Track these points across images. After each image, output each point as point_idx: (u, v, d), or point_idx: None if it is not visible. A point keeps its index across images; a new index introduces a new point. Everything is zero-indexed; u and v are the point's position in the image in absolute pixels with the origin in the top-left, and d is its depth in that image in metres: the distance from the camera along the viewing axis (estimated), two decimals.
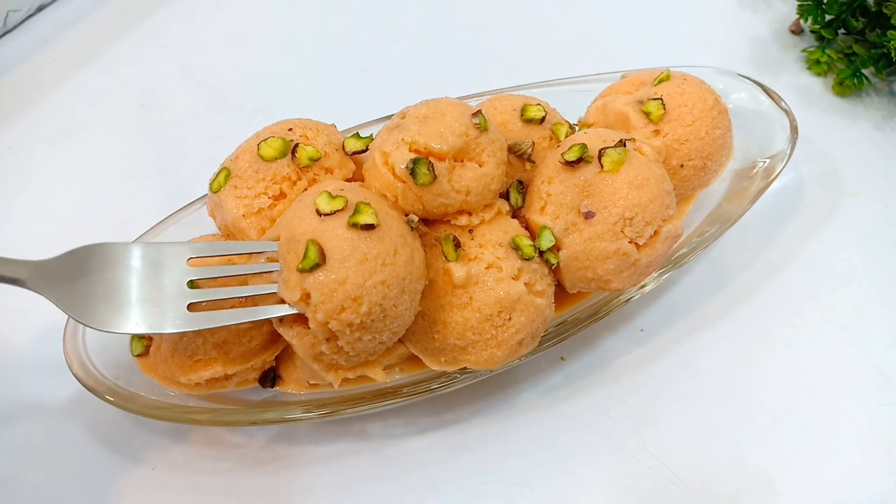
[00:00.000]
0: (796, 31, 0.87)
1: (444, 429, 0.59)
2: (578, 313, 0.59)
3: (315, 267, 0.45)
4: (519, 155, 0.55)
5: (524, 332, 0.51)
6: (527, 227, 0.55)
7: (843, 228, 0.71)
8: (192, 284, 0.48)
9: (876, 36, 0.78)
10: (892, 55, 0.75)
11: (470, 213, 0.52)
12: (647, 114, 0.59)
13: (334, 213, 0.47)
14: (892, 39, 0.74)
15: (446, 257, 0.50)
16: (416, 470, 0.57)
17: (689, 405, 0.60)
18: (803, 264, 0.68)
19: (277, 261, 0.48)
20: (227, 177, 0.53)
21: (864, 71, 0.79)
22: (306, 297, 0.46)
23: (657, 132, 0.59)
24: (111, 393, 0.52)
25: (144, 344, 0.54)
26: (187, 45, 0.86)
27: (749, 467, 0.57)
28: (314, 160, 0.53)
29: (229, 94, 0.82)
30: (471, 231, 0.52)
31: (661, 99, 0.60)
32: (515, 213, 0.55)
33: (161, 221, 0.60)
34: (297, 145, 0.53)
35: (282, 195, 0.52)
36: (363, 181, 0.53)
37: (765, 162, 0.66)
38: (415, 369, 0.56)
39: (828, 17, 0.82)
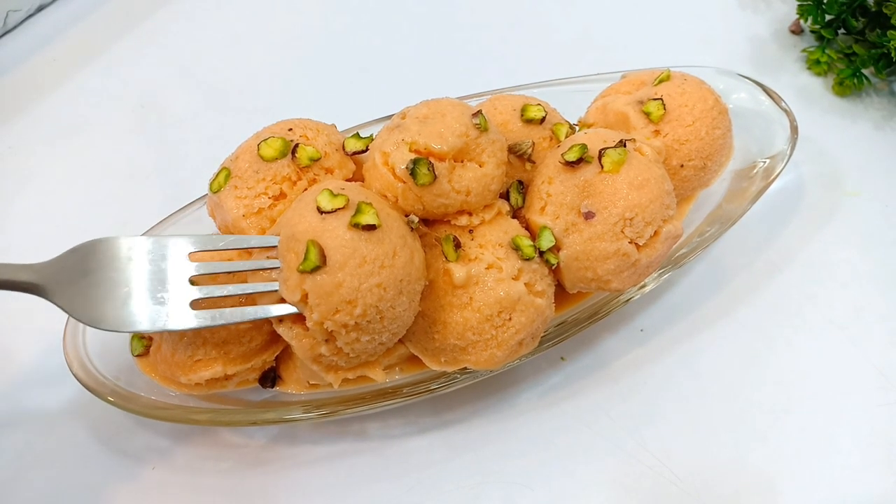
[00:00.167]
0: (796, 31, 0.87)
1: (444, 429, 0.59)
2: (578, 313, 0.59)
3: (316, 269, 0.45)
4: (519, 155, 0.55)
5: (524, 333, 0.51)
6: (527, 228, 0.55)
7: (843, 228, 0.71)
8: (194, 281, 0.48)
9: (876, 36, 0.78)
10: (892, 55, 0.75)
11: (470, 214, 0.52)
12: (647, 114, 0.59)
13: (335, 211, 0.46)
14: (892, 39, 0.74)
15: (446, 257, 0.50)
16: (416, 470, 0.57)
17: (689, 405, 0.60)
18: (803, 264, 0.68)
19: (277, 258, 0.48)
20: (227, 177, 0.53)
21: (864, 71, 0.79)
22: (305, 297, 0.46)
23: (657, 132, 0.59)
24: (111, 393, 0.52)
25: (144, 344, 0.54)
26: (187, 45, 0.86)
27: (749, 467, 0.57)
28: (314, 160, 0.53)
29: (229, 94, 0.82)
30: (471, 231, 0.52)
31: (661, 99, 0.60)
32: (515, 214, 0.55)
33: (161, 221, 0.60)
34: (297, 145, 0.53)
35: (282, 195, 0.52)
36: (363, 181, 0.53)
37: (765, 162, 0.66)
38: (415, 369, 0.56)
39: (828, 17, 0.82)
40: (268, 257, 0.49)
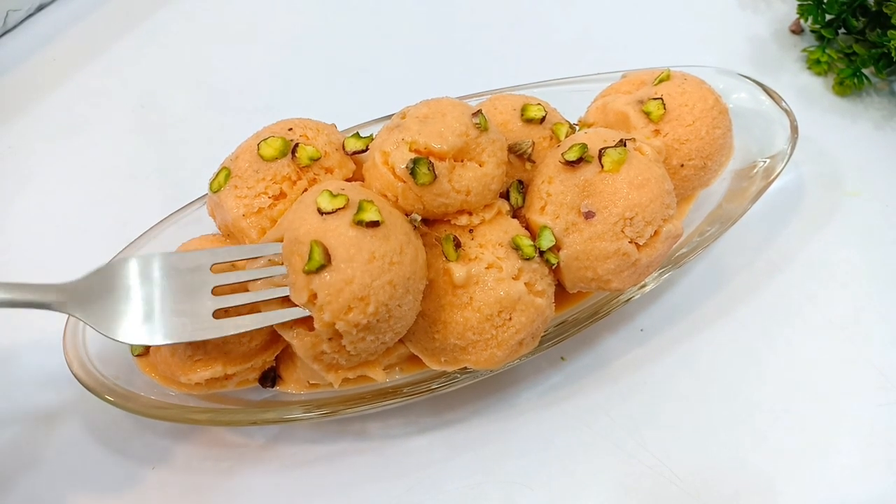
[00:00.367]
0: (796, 30, 0.87)
1: (444, 428, 0.59)
2: (578, 313, 0.59)
3: (321, 268, 0.45)
4: (519, 155, 0.55)
5: (524, 332, 0.51)
6: (527, 227, 0.54)
7: (843, 228, 0.71)
8: (215, 292, 0.48)
9: (876, 36, 0.78)
10: (893, 55, 0.75)
11: (470, 213, 0.52)
12: (647, 113, 0.59)
13: (336, 211, 0.46)
14: (893, 39, 0.74)
15: (446, 257, 0.50)
16: (416, 469, 0.57)
17: (689, 405, 0.60)
18: (803, 264, 0.68)
19: (282, 264, 0.48)
20: (228, 177, 0.53)
21: (865, 71, 0.79)
22: (313, 297, 0.45)
23: (657, 132, 0.59)
24: (111, 393, 0.52)
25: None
26: (187, 45, 0.86)
27: (749, 467, 0.57)
28: (314, 160, 0.53)
29: (229, 94, 0.82)
30: (471, 231, 0.52)
31: (661, 99, 0.60)
32: (516, 213, 0.55)
33: (161, 221, 0.60)
34: (297, 145, 0.53)
35: (282, 195, 0.52)
36: (363, 181, 0.53)
37: (765, 162, 0.66)
38: (415, 369, 0.56)
39: (828, 17, 0.82)
40: (270, 263, 0.49)
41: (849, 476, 0.57)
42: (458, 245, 0.51)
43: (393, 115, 0.54)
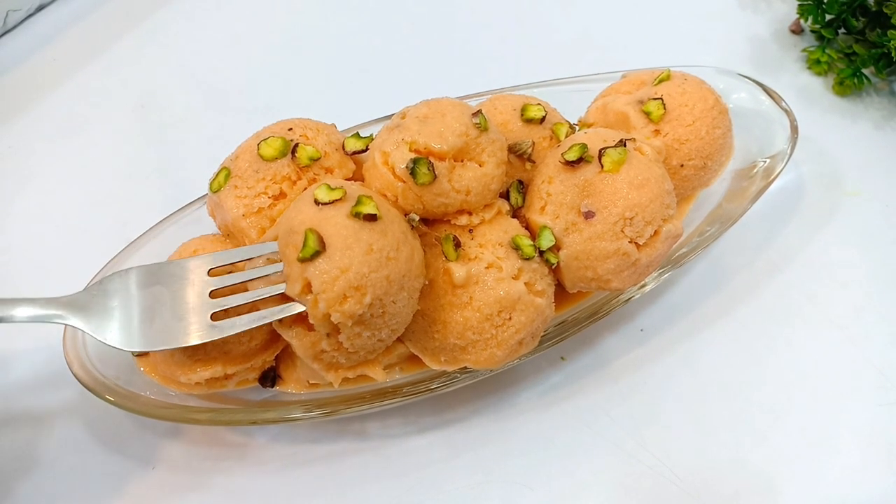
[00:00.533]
0: (796, 30, 0.87)
1: (444, 428, 0.59)
2: (578, 313, 0.59)
3: (315, 255, 0.45)
4: (519, 155, 0.55)
5: (524, 332, 0.51)
6: (527, 227, 0.54)
7: (843, 228, 0.71)
8: (213, 294, 0.49)
9: (876, 36, 0.78)
10: (893, 55, 0.75)
11: (470, 213, 0.52)
12: (647, 113, 0.59)
13: (333, 202, 0.46)
14: (893, 39, 0.74)
15: (446, 257, 0.50)
16: (416, 469, 0.57)
17: (689, 405, 0.60)
18: (803, 264, 0.68)
19: (279, 261, 0.48)
20: (227, 177, 0.53)
21: (865, 71, 0.79)
22: (307, 287, 0.45)
23: (657, 132, 0.59)
24: (111, 393, 0.52)
25: None
26: (187, 45, 0.86)
27: (749, 467, 0.57)
28: (314, 160, 0.53)
29: (229, 94, 0.82)
30: (471, 231, 0.52)
31: (661, 99, 0.60)
32: (515, 213, 0.55)
33: (161, 221, 0.60)
34: (297, 145, 0.53)
35: (282, 195, 0.52)
36: (363, 181, 0.53)
37: (765, 162, 0.66)
38: (415, 369, 0.56)
39: (828, 17, 0.82)
40: (268, 261, 0.49)
41: (849, 476, 0.57)
42: (457, 245, 0.51)
43: (393, 115, 0.54)
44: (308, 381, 0.55)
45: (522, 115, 0.57)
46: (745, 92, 0.68)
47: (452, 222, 0.52)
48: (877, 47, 0.78)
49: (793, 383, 0.61)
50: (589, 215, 0.52)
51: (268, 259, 0.49)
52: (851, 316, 0.65)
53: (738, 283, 0.67)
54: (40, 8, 0.88)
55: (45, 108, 0.79)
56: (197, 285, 0.49)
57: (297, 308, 0.46)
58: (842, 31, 0.82)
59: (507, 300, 0.50)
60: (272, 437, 0.58)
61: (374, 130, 0.56)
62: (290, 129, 0.55)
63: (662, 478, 0.56)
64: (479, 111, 0.52)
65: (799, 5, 0.84)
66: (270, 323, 0.50)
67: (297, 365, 0.54)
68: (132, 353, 0.54)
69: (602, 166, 0.53)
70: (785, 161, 0.65)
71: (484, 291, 0.50)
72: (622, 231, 0.52)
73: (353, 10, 0.91)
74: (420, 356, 0.53)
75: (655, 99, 0.60)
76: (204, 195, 0.59)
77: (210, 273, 0.49)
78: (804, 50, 0.84)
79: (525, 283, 0.51)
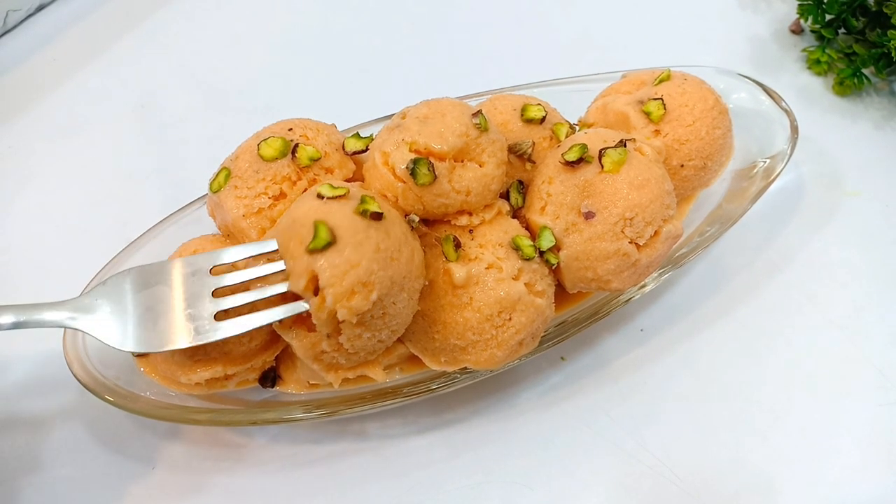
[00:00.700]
0: (796, 30, 0.87)
1: (444, 429, 0.59)
2: (578, 313, 0.59)
3: (327, 246, 0.44)
4: (519, 155, 0.55)
5: (524, 333, 0.51)
6: (527, 228, 0.54)
7: (843, 228, 0.71)
8: (216, 294, 0.49)
9: (876, 35, 0.78)
10: (893, 55, 0.75)
11: (470, 214, 0.52)
12: (647, 114, 0.59)
13: (337, 197, 0.46)
14: (893, 39, 0.74)
15: (446, 257, 0.50)
16: (416, 470, 0.57)
17: (689, 405, 0.60)
18: (803, 264, 0.68)
19: (279, 260, 0.48)
20: (227, 177, 0.53)
21: (865, 71, 0.79)
22: (313, 281, 0.45)
23: (657, 132, 0.59)
24: (111, 393, 0.52)
25: None
26: (187, 45, 0.86)
27: (749, 467, 0.57)
28: (314, 160, 0.53)
29: (229, 94, 0.82)
30: (471, 231, 0.52)
31: (661, 99, 0.60)
32: (516, 214, 0.55)
33: (161, 221, 0.60)
34: (297, 145, 0.53)
35: (282, 195, 0.52)
36: (363, 181, 0.53)
37: (765, 162, 0.66)
38: (415, 369, 0.56)
39: (828, 17, 0.82)
40: (267, 260, 0.49)
41: (849, 476, 0.57)
42: (458, 245, 0.51)
43: (393, 115, 0.54)
44: (308, 382, 0.55)
45: (522, 115, 0.57)
46: (745, 92, 0.68)
47: (452, 223, 0.52)
48: (877, 47, 0.78)
49: (793, 383, 0.61)
50: (589, 216, 0.52)
51: (267, 258, 0.49)
52: (851, 316, 0.65)
53: (738, 283, 0.67)
54: (40, 8, 0.88)
55: (45, 108, 0.79)
56: (199, 285, 0.49)
57: (303, 307, 0.46)
58: (842, 31, 0.82)
59: (507, 301, 0.50)
60: (272, 438, 0.58)
61: (374, 130, 0.56)
62: (291, 130, 0.55)
63: (662, 478, 0.56)
64: (480, 111, 0.52)
65: (799, 5, 0.84)
66: (270, 323, 0.50)
67: (297, 365, 0.54)
68: (133, 353, 0.54)
69: (602, 167, 0.53)
70: (785, 161, 0.65)
71: (484, 292, 0.50)
72: (622, 231, 0.52)
73: (353, 10, 0.91)
74: (420, 357, 0.53)
75: (655, 99, 0.60)
76: (204, 195, 0.59)
77: (212, 271, 0.49)
78: (804, 50, 0.84)
79: (525, 284, 0.51)
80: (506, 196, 0.55)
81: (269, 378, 0.55)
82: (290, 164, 0.53)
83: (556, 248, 0.53)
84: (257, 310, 0.48)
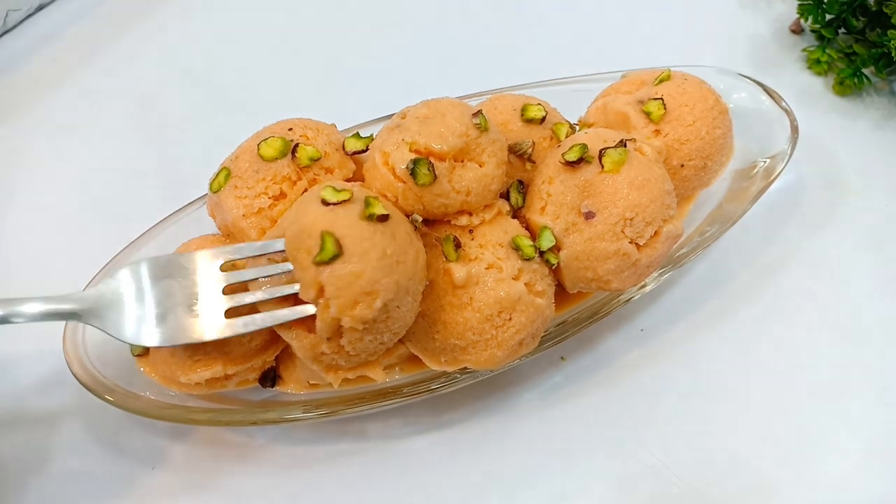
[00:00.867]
0: (797, 30, 0.87)
1: (444, 429, 0.59)
2: (578, 313, 0.59)
3: (334, 258, 0.44)
4: (519, 155, 0.55)
5: (524, 333, 0.51)
6: (527, 228, 0.54)
7: (843, 228, 0.71)
8: (226, 290, 0.48)
9: (876, 35, 0.78)
10: (893, 55, 0.74)
11: (470, 214, 0.52)
12: (647, 114, 0.59)
13: (342, 203, 0.46)
14: (893, 39, 0.74)
15: (447, 258, 0.50)
16: (416, 469, 0.57)
17: (689, 405, 0.60)
18: (803, 264, 0.68)
19: (282, 260, 0.48)
20: (228, 177, 0.53)
21: (865, 70, 0.79)
22: (321, 292, 0.45)
23: (658, 132, 0.59)
24: (111, 393, 0.52)
25: None
26: (187, 45, 0.86)
27: (749, 467, 0.57)
28: (314, 160, 0.53)
29: (229, 94, 0.82)
30: (471, 231, 0.52)
31: (661, 99, 0.60)
32: (516, 214, 0.55)
33: (161, 221, 0.60)
34: (297, 145, 0.53)
35: (282, 195, 0.52)
36: (363, 181, 0.53)
37: (765, 162, 0.66)
38: (415, 369, 0.56)
39: (828, 17, 0.82)
40: (270, 260, 0.49)
41: (849, 476, 0.57)
42: (458, 245, 0.51)
43: (393, 115, 0.54)
44: (308, 382, 0.55)
45: (522, 115, 0.57)
46: (746, 92, 0.68)
47: (452, 223, 0.52)
48: (877, 47, 0.78)
49: (793, 383, 0.61)
50: (589, 216, 0.52)
51: (269, 259, 0.49)
52: (851, 316, 0.65)
53: (738, 283, 0.67)
54: (40, 8, 0.88)
55: (45, 108, 0.79)
56: (209, 281, 0.48)
57: (312, 310, 0.46)
58: (842, 30, 0.82)
59: (507, 301, 0.50)
60: (272, 438, 0.58)
61: (374, 130, 0.56)
62: (291, 129, 0.55)
63: (662, 478, 0.56)
64: (480, 111, 0.52)
65: (799, 5, 0.84)
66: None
67: (297, 365, 0.54)
68: (132, 353, 0.54)
69: (602, 167, 0.53)
70: (785, 161, 0.65)
71: (484, 292, 0.50)
72: (622, 231, 0.52)
73: (353, 10, 0.91)
74: (420, 357, 0.53)
75: (656, 99, 0.60)
76: (204, 195, 0.59)
77: (222, 268, 0.49)
78: (804, 50, 0.84)
79: (525, 284, 0.51)
80: (506, 196, 0.55)
81: (269, 378, 0.55)
82: (290, 164, 0.53)
83: (556, 248, 0.53)
84: (266, 309, 0.48)
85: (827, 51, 0.81)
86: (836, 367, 0.62)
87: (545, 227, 0.53)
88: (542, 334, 0.55)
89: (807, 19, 0.83)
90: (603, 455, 0.57)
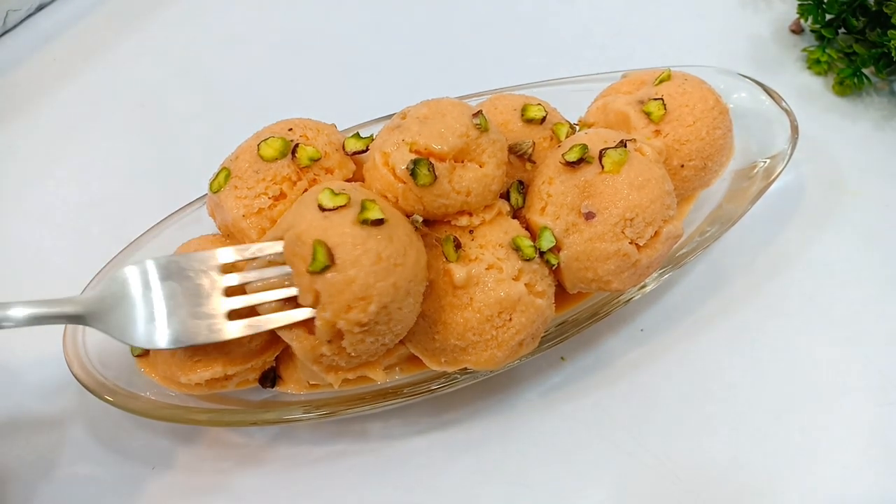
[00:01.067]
0: (796, 30, 0.87)
1: (444, 429, 0.59)
2: (578, 314, 0.59)
3: (325, 269, 0.44)
4: (519, 155, 0.55)
5: (524, 333, 0.51)
6: (527, 228, 0.54)
7: (843, 228, 0.71)
8: (227, 292, 0.48)
9: (876, 35, 0.78)
10: (893, 55, 0.74)
11: (470, 214, 0.52)
12: (647, 114, 0.59)
13: (337, 208, 0.46)
14: (893, 39, 0.74)
15: (447, 258, 0.50)
16: (416, 470, 0.57)
17: (689, 405, 0.60)
18: (803, 264, 0.68)
19: (282, 262, 0.48)
20: (227, 177, 0.53)
21: (865, 70, 0.79)
22: (317, 298, 0.45)
23: (658, 132, 0.59)
24: (111, 393, 0.52)
25: None
26: (187, 45, 0.86)
27: (749, 467, 0.57)
28: (314, 160, 0.53)
29: (229, 94, 0.81)
30: (471, 232, 0.52)
31: (661, 99, 0.60)
32: (516, 214, 0.55)
33: (161, 221, 0.60)
34: (297, 145, 0.53)
35: (282, 195, 0.52)
36: (363, 182, 0.53)
37: (765, 162, 0.66)
38: (415, 370, 0.56)
39: (828, 17, 0.82)
40: (269, 263, 0.49)
41: (849, 476, 0.57)
42: (458, 246, 0.51)
43: (393, 115, 0.54)
44: (308, 382, 0.55)
45: (523, 115, 0.57)
46: (745, 92, 0.68)
47: (453, 223, 0.52)
48: (877, 47, 0.78)
49: (792, 383, 0.61)
50: (589, 216, 0.52)
51: (269, 262, 0.49)
52: (851, 316, 0.65)
53: (738, 283, 0.67)
54: (40, 8, 0.88)
55: (45, 108, 0.79)
56: (210, 281, 0.48)
57: (311, 312, 0.46)
58: (842, 30, 0.82)
59: (507, 301, 0.50)
60: (272, 438, 0.58)
61: (374, 130, 0.56)
62: (291, 130, 0.55)
63: (662, 478, 0.56)
64: (480, 111, 0.52)
65: (799, 5, 0.84)
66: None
67: (298, 366, 0.54)
68: (132, 353, 0.54)
69: (602, 167, 0.53)
70: (785, 161, 0.65)
71: (484, 292, 0.50)
72: (623, 232, 0.52)
73: (354, 10, 0.91)
74: (420, 357, 0.53)
75: (656, 99, 0.60)
76: (204, 195, 0.59)
77: (222, 269, 0.49)
78: (804, 50, 0.84)
79: (525, 284, 0.51)
80: (506, 196, 0.55)
81: (269, 378, 0.55)
82: (290, 165, 0.53)
83: (556, 249, 0.53)
84: (267, 311, 0.48)
85: (827, 51, 0.81)
86: (835, 367, 0.62)
87: (545, 228, 0.53)
88: (543, 335, 0.55)
89: (807, 19, 0.83)
90: (603, 455, 0.57)
